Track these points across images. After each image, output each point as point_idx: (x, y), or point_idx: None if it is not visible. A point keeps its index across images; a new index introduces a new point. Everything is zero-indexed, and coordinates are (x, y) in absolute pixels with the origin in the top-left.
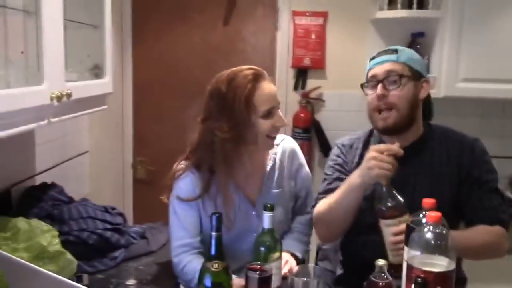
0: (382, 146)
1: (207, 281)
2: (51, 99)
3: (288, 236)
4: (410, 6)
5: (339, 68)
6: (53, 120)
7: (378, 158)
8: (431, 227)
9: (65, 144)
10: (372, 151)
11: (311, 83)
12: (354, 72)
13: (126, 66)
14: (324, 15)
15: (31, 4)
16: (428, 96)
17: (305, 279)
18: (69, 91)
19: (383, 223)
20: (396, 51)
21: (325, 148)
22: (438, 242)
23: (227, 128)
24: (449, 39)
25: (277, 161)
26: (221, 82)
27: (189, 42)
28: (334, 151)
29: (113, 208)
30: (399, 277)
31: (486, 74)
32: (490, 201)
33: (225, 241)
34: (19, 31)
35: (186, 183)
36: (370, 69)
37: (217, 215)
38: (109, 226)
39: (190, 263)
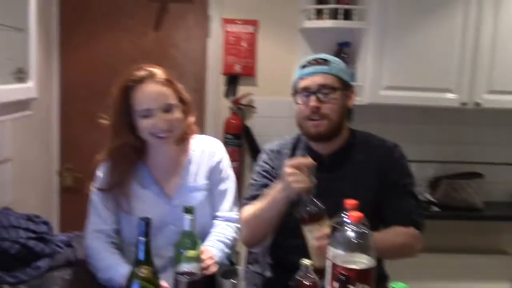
0: (295, 162)
1: (135, 287)
2: None
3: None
4: (336, 17)
5: (269, 76)
6: None
7: (295, 174)
8: (353, 227)
9: None
10: (288, 168)
11: (242, 90)
12: (284, 79)
13: (52, 71)
14: (254, 23)
15: None
16: None
17: (234, 281)
18: None
19: (305, 229)
20: (326, 61)
21: (256, 154)
22: (360, 240)
23: (111, 120)
24: (372, 49)
25: (195, 158)
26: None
27: (119, 47)
28: (262, 156)
29: (37, 217)
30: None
31: (407, 82)
32: (405, 204)
33: (126, 238)
34: None
35: (102, 173)
36: (301, 78)
37: (145, 221)
38: (33, 235)
39: (101, 252)
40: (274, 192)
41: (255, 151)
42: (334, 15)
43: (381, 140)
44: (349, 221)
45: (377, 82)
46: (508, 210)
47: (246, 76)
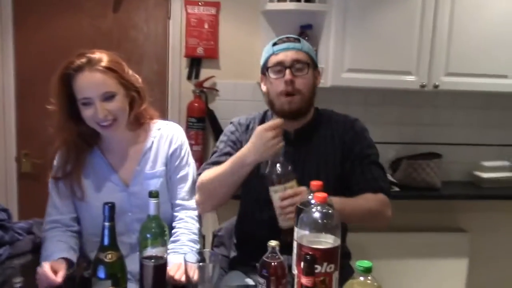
0: (271, 123)
1: (101, 273)
2: None
3: (177, 238)
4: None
5: (232, 58)
6: None
7: (276, 136)
8: (318, 207)
9: None
10: (270, 132)
11: (204, 72)
12: (247, 62)
13: (6, 54)
14: (216, 5)
15: None
16: None
17: (201, 263)
18: None
19: (272, 189)
20: (298, 39)
21: (219, 137)
22: (325, 221)
23: (55, 106)
24: (334, 31)
25: (154, 144)
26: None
27: (77, 28)
28: (230, 127)
29: None
30: (290, 242)
31: (368, 65)
32: (371, 172)
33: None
34: None
35: (56, 161)
36: (273, 54)
37: (109, 205)
38: None
39: (49, 240)
40: (241, 157)
41: (218, 134)
42: None
43: (343, 115)
44: (314, 201)
45: (339, 65)
46: (465, 189)
47: (209, 58)
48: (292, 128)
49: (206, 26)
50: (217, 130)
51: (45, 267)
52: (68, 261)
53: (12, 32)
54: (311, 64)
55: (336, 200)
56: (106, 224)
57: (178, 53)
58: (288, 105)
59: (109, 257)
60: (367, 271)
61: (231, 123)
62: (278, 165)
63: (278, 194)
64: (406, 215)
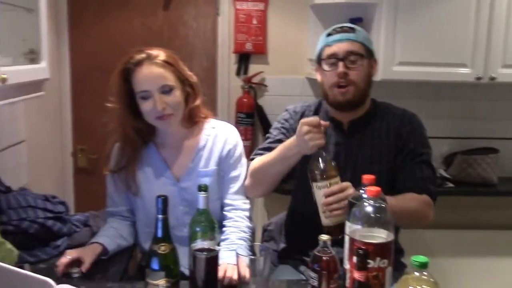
0: (309, 120)
1: (154, 264)
2: None
3: (227, 237)
4: None
5: (280, 53)
6: None
7: (313, 132)
8: (371, 201)
9: None
10: (304, 126)
11: (253, 68)
12: (295, 57)
13: (62, 51)
14: (265, 0)
15: None
16: None
17: (252, 256)
18: (5, 76)
19: (315, 185)
20: (353, 28)
21: (268, 133)
22: (378, 215)
23: (114, 102)
24: (385, 24)
25: (209, 142)
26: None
27: (128, 26)
28: (284, 115)
29: (54, 197)
30: (336, 241)
31: (420, 58)
32: (421, 172)
33: (150, 213)
34: None
35: (113, 156)
36: (327, 45)
37: (162, 197)
38: (50, 215)
39: (104, 226)
40: (286, 147)
41: (267, 129)
42: None
43: (401, 109)
44: (366, 195)
45: (390, 58)
46: None
47: (257, 54)
48: (346, 119)
49: (254, 21)
50: (266, 126)
51: (63, 260)
52: (103, 247)
53: (68, 31)
54: (366, 54)
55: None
56: (159, 216)
57: (227, 49)
58: (341, 97)
59: (162, 249)
60: (423, 266)
61: (286, 110)
62: (320, 159)
63: (322, 191)
64: (460, 212)
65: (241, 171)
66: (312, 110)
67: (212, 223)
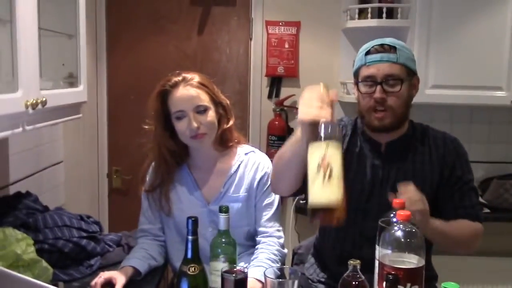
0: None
1: (184, 285)
2: (26, 106)
3: (256, 256)
4: (380, 16)
5: (312, 77)
6: (28, 128)
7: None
8: (401, 226)
9: (39, 154)
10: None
11: (285, 91)
12: (327, 80)
13: (100, 75)
14: (297, 24)
15: (5, 12)
16: None
17: (280, 279)
18: (44, 99)
19: (312, 146)
20: (394, 48)
21: None
22: (408, 240)
23: (152, 124)
24: (417, 47)
25: (240, 168)
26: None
27: (163, 51)
28: None
29: (89, 217)
30: (366, 266)
31: (454, 81)
32: (470, 200)
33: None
34: None
35: (149, 176)
36: (364, 65)
37: (192, 219)
38: (84, 234)
39: (136, 246)
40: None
41: None
42: (377, 13)
43: (442, 132)
44: (396, 220)
45: (423, 81)
46: None
47: (289, 77)
48: (384, 140)
49: (286, 45)
50: None
51: (98, 280)
52: (135, 269)
53: (106, 56)
54: (407, 76)
55: (438, 224)
56: (190, 237)
57: (259, 73)
58: (378, 122)
59: (192, 269)
60: None
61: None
62: (323, 124)
63: (319, 152)
64: (497, 238)
65: (274, 198)
66: (350, 127)
67: (232, 244)
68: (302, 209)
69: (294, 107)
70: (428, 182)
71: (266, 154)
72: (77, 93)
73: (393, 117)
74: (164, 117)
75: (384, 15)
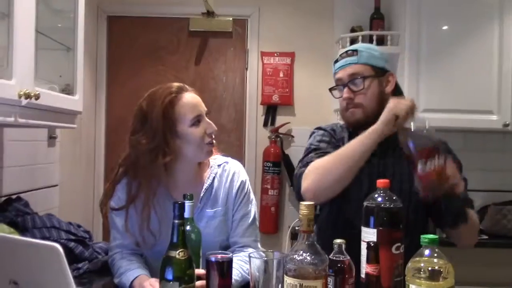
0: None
1: (170, 270)
2: (19, 96)
3: None
4: (370, 43)
5: (306, 105)
6: (20, 120)
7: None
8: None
9: (34, 173)
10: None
11: (280, 119)
12: (321, 108)
13: (99, 104)
14: (291, 55)
15: (4, 7)
16: (396, 84)
17: (266, 258)
18: (38, 93)
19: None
20: (355, 51)
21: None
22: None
23: (145, 140)
24: (408, 72)
25: (215, 181)
26: (143, 99)
27: (162, 81)
28: (317, 132)
29: (79, 226)
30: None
31: (445, 105)
32: (466, 195)
33: (151, 257)
34: None
35: (117, 191)
36: (335, 73)
37: (178, 203)
38: (73, 237)
39: (119, 261)
40: (365, 137)
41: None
42: (368, 41)
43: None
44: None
45: None
46: None
47: (284, 105)
48: None
49: (281, 74)
50: (292, 175)
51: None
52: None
53: (105, 85)
54: (373, 74)
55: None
56: (176, 221)
57: (254, 101)
58: (351, 117)
59: (180, 254)
60: (433, 243)
61: (316, 129)
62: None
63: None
64: (497, 266)
65: (250, 208)
66: (345, 130)
67: (196, 230)
68: (297, 235)
69: (289, 135)
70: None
71: (262, 180)
72: (73, 101)
73: (363, 112)
74: (163, 133)
75: (374, 42)
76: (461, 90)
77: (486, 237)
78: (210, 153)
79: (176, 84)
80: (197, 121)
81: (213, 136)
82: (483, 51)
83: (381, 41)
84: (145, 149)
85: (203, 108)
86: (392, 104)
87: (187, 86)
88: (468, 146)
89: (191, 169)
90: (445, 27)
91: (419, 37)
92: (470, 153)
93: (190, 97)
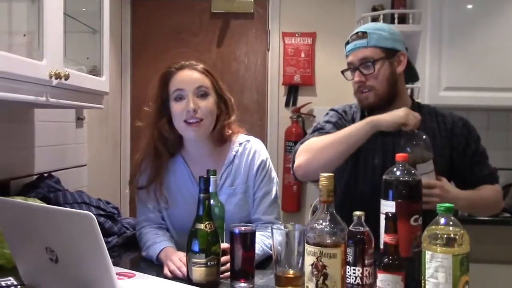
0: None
1: (197, 242)
2: (50, 76)
3: None
4: (392, 22)
5: (327, 85)
6: (51, 100)
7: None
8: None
9: (64, 152)
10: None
11: (301, 99)
12: (341, 88)
13: (124, 86)
14: (312, 35)
15: None
16: (408, 63)
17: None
18: (67, 73)
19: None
20: (365, 33)
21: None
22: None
23: (151, 114)
24: (429, 50)
25: (236, 159)
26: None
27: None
28: (329, 113)
29: (108, 203)
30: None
31: (468, 82)
32: (488, 167)
33: (175, 230)
34: (23, 16)
35: (143, 170)
36: (346, 56)
37: (204, 177)
38: (102, 213)
39: (146, 234)
40: (377, 118)
41: None
42: (390, 20)
43: (448, 111)
44: (396, 161)
45: (436, 84)
46: None
47: (305, 85)
48: None
49: (302, 55)
50: None
51: (175, 267)
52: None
53: (130, 67)
54: (383, 56)
55: (465, 194)
56: (201, 196)
57: (276, 82)
58: (365, 101)
59: (208, 226)
60: (449, 211)
61: (330, 110)
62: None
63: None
64: None
65: (271, 186)
66: (357, 110)
67: (220, 206)
68: None
69: (310, 115)
70: (439, 154)
71: (284, 159)
72: (100, 82)
73: (376, 95)
74: (162, 100)
75: (396, 20)
76: (484, 68)
77: (508, 215)
78: (191, 132)
79: (183, 62)
80: (178, 96)
81: (193, 115)
82: (507, 29)
83: (402, 20)
84: (150, 120)
85: (192, 85)
86: (404, 113)
87: (194, 64)
88: (491, 124)
89: (200, 145)
90: (469, 6)
91: (441, 15)
92: (494, 132)
93: (184, 74)
